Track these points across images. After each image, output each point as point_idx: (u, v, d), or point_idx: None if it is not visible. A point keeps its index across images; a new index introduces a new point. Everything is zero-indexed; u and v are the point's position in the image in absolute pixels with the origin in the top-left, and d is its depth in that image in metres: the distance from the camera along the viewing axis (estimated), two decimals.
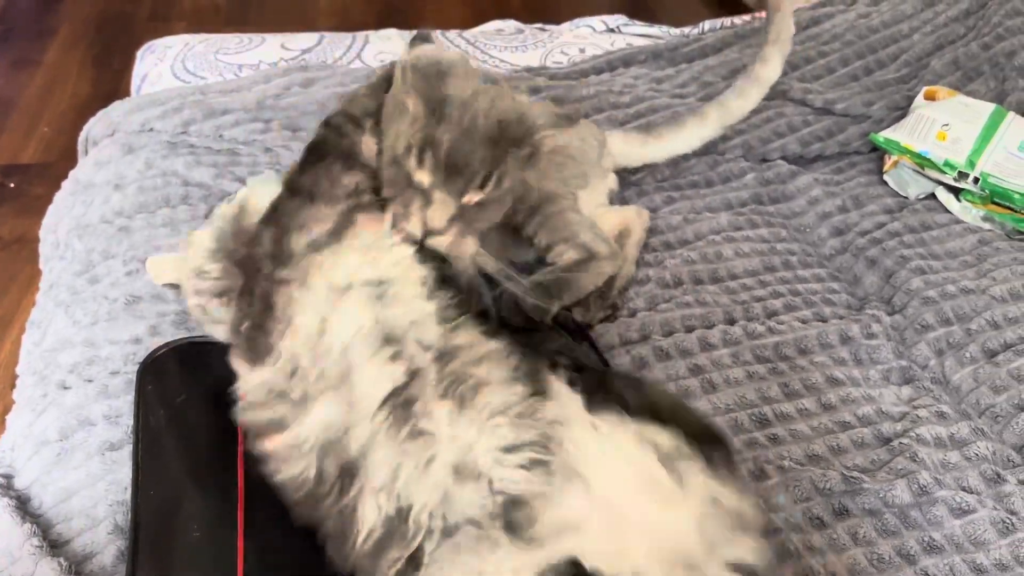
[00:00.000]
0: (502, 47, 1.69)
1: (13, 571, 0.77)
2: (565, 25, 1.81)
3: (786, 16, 1.22)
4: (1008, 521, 0.86)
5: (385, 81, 0.84)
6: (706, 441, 0.68)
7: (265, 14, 2.93)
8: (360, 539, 0.67)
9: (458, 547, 0.63)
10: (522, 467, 0.64)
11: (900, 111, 1.42)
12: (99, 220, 1.19)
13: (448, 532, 0.64)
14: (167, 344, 0.91)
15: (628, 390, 0.71)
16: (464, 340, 0.71)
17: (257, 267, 0.75)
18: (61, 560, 0.78)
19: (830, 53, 1.54)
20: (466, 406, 0.67)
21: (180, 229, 1.14)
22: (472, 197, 0.79)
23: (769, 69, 1.25)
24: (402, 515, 0.66)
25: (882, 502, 0.87)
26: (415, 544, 0.65)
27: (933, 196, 1.32)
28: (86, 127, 1.41)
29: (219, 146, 1.31)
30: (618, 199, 1.25)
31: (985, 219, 1.26)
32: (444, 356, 0.69)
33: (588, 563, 0.60)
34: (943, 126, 1.30)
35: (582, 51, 1.67)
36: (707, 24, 1.73)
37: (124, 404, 0.91)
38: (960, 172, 1.27)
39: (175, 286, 0.99)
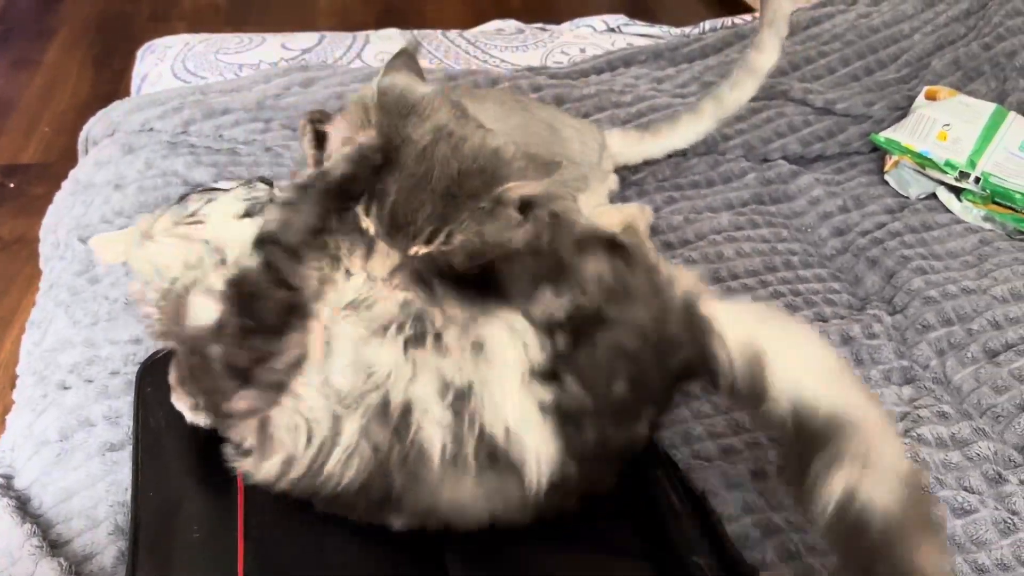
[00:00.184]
0: (502, 47, 1.68)
1: (13, 571, 0.77)
2: (565, 25, 1.81)
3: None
4: (1010, 521, 0.86)
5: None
6: None
7: (265, 14, 2.94)
8: (436, 461, 0.68)
9: None
10: None
11: (901, 111, 1.42)
12: (99, 220, 1.18)
13: None
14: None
15: None
16: None
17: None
18: (61, 560, 0.77)
19: (831, 53, 1.54)
20: None
21: None
22: (418, 250, 0.75)
23: (764, 56, 1.20)
24: (459, 412, 0.69)
25: None
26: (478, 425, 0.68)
27: (934, 196, 1.31)
28: (86, 127, 1.41)
29: (219, 146, 1.31)
30: (619, 199, 1.25)
31: (986, 219, 1.26)
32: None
33: None
34: (944, 126, 1.30)
35: (583, 51, 1.67)
36: (707, 24, 1.74)
37: (124, 404, 0.91)
38: (961, 172, 1.27)
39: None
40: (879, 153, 1.39)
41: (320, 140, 0.85)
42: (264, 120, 1.34)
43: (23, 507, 0.84)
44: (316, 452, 0.71)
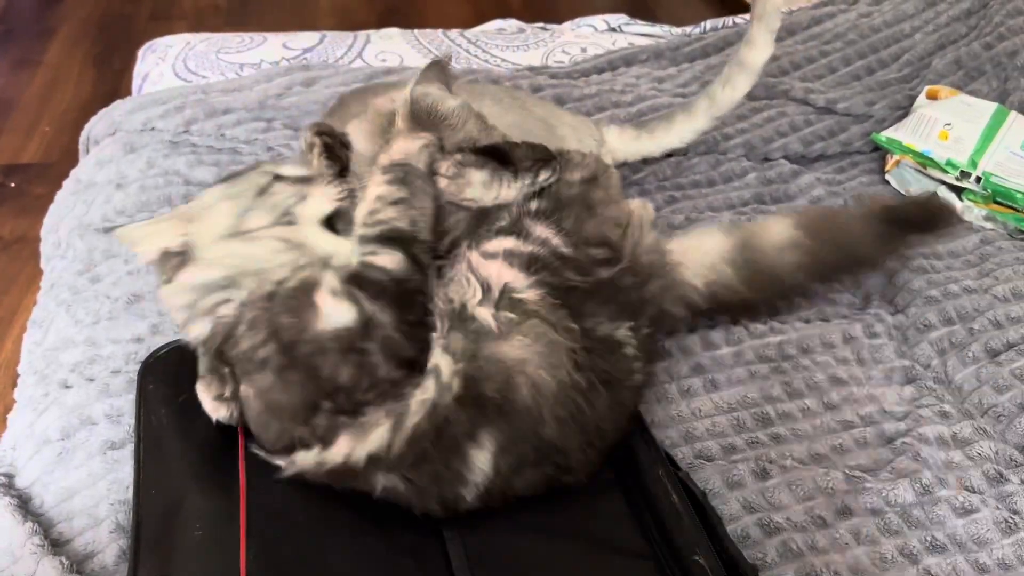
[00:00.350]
0: (503, 46, 1.68)
1: (15, 570, 0.77)
2: (566, 24, 1.81)
3: None
4: (1011, 520, 0.86)
5: None
6: None
7: (266, 13, 2.93)
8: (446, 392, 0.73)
9: None
10: None
11: (902, 110, 1.42)
12: (101, 219, 1.19)
13: None
14: (168, 343, 0.91)
15: None
16: None
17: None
18: (63, 559, 0.77)
19: (832, 52, 1.54)
20: None
21: None
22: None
23: (756, 51, 1.18)
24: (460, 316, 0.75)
25: (885, 501, 0.87)
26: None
27: (935, 195, 1.31)
28: (87, 126, 1.41)
29: (221, 145, 1.31)
30: None
31: (987, 219, 1.26)
32: None
33: None
34: (945, 125, 1.30)
35: (583, 50, 1.67)
36: (708, 23, 1.73)
37: (126, 403, 0.91)
38: (962, 172, 1.27)
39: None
40: (880, 153, 1.39)
41: (331, 152, 0.87)
42: (266, 119, 1.34)
43: (24, 506, 0.84)
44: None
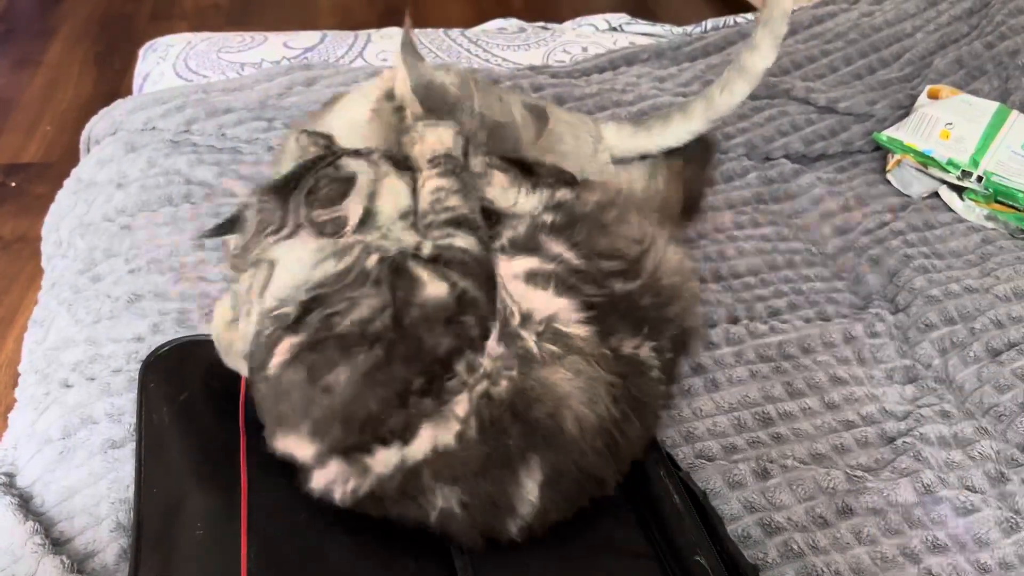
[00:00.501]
0: (504, 46, 1.68)
1: (15, 569, 0.77)
2: (567, 24, 1.81)
3: None
4: (1012, 520, 0.86)
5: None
6: None
7: (267, 13, 2.93)
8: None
9: None
10: None
11: (903, 110, 1.42)
12: (101, 219, 1.19)
13: None
14: (169, 342, 0.91)
15: None
16: None
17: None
18: (63, 558, 0.77)
19: (833, 52, 1.54)
20: None
21: (182, 228, 1.14)
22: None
23: (758, 57, 1.14)
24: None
25: (886, 501, 0.87)
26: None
27: (936, 195, 1.31)
28: (88, 126, 1.41)
29: (222, 145, 1.31)
30: None
31: (988, 218, 1.26)
32: None
33: None
34: (946, 125, 1.30)
35: (584, 50, 1.67)
36: (710, 23, 1.73)
37: (126, 402, 0.91)
38: (963, 171, 1.27)
39: None
40: (881, 152, 1.39)
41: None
42: (267, 119, 1.34)
43: (25, 505, 0.84)
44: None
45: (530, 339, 0.75)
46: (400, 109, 0.94)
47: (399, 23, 1.78)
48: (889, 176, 1.35)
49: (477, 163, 0.89)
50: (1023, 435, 0.95)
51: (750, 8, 1.36)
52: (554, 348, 0.75)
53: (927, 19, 1.58)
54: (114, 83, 2.53)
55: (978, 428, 0.96)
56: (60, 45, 2.79)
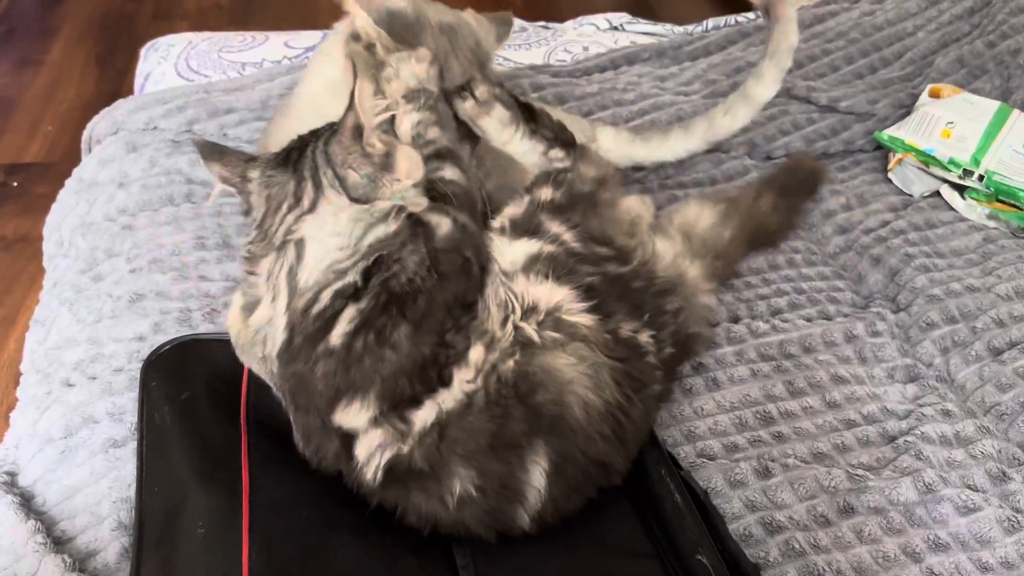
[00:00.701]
0: (505, 45, 1.68)
1: (17, 568, 0.77)
2: (568, 23, 1.81)
3: (788, 27, 1.17)
4: (1014, 519, 0.86)
5: None
6: None
7: (268, 12, 2.93)
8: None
9: None
10: None
11: (905, 109, 1.42)
12: (103, 218, 1.19)
13: None
14: (171, 341, 0.91)
15: None
16: None
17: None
18: (65, 557, 0.77)
19: (834, 51, 1.54)
20: None
21: (184, 227, 1.14)
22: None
23: (762, 87, 1.20)
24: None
25: (887, 500, 0.87)
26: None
27: (938, 194, 1.31)
28: (90, 125, 1.41)
29: (223, 144, 1.30)
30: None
31: (990, 217, 1.26)
32: None
33: None
34: (948, 124, 1.30)
35: (585, 49, 1.67)
36: (711, 22, 1.73)
37: (128, 401, 0.91)
38: (965, 170, 1.26)
39: None
40: (883, 151, 1.39)
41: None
42: (268, 119, 1.33)
43: (27, 504, 0.84)
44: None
45: (531, 328, 0.76)
46: (371, 46, 0.95)
47: None
48: (890, 175, 1.35)
49: (483, 91, 0.90)
50: None
51: (751, 8, 1.35)
52: (556, 335, 0.77)
53: (928, 18, 1.58)
54: (115, 83, 2.53)
55: (979, 427, 0.96)
56: (61, 45, 2.79)
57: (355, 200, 0.74)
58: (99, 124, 1.39)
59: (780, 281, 1.15)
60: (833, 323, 1.08)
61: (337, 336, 0.73)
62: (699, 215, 1.04)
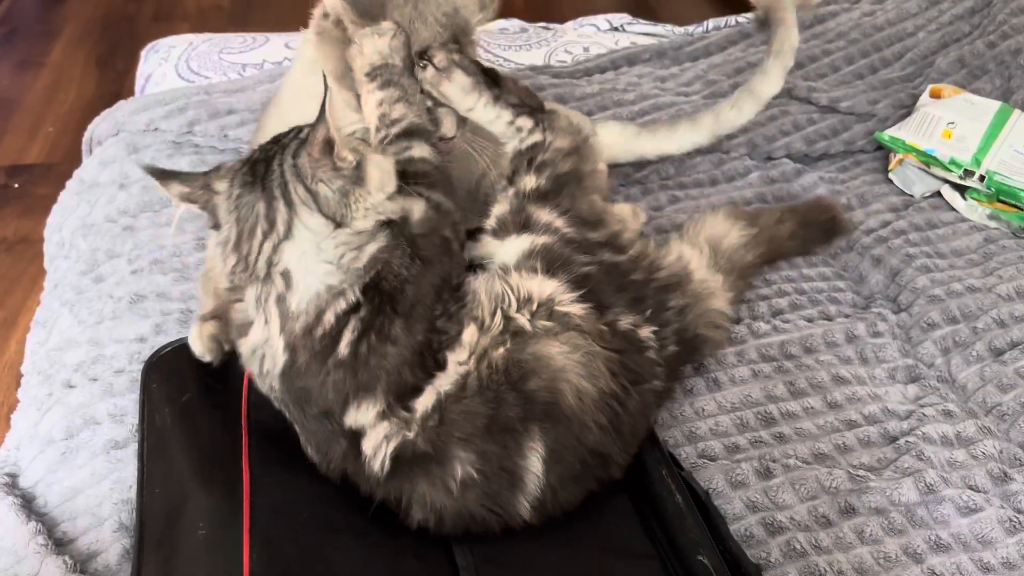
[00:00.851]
0: (506, 46, 1.68)
1: (18, 569, 0.77)
2: (569, 24, 1.81)
3: (790, 29, 1.20)
4: (1015, 520, 0.86)
5: None
6: None
7: (268, 14, 2.93)
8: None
9: None
10: None
11: (905, 109, 1.42)
12: (104, 219, 1.19)
13: None
14: (172, 343, 0.91)
15: None
16: None
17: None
18: (66, 558, 0.78)
19: (835, 51, 1.54)
20: None
21: (184, 228, 1.14)
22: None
23: (768, 83, 1.23)
24: None
25: (888, 501, 0.87)
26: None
27: (939, 194, 1.31)
28: (90, 127, 1.41)
29: (224, 146, 1.31)
30: (623, 197, 1.25)
31: (991, 217, 1.26)
32: None
33: None
34: (948, 124, 1.30)
35: (586, 50, 1.67)
36: (711, 23, 1.73)
37: (129, 403, 0.91)
38: (966, 170, 1.26)
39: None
40: (883, 151, 1.39)
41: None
42: None
43: (28, 505, 0.85)
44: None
45: (524, 318, 0.77)
46: (339, 23, 0.94)
47: None
48: (891, 175, 1.35)
49: (441, 58, 0.90)
50: None
51: (751, 8, 1.35)
52: (548, 324, 0.77)
53: (929, 18, 1.58)
54: (116, 84, 2.53)
55: (981, 427, 0.96)
56: (62, 47, 2.79)
57: (327, 217, 0.73)
58: (100, 125, 1.39)
59: (781, 282, 1.15)
60: (834, 323, 1.08)
61: (344, 346, 0.74)
62: (727, 232, 1.05)
